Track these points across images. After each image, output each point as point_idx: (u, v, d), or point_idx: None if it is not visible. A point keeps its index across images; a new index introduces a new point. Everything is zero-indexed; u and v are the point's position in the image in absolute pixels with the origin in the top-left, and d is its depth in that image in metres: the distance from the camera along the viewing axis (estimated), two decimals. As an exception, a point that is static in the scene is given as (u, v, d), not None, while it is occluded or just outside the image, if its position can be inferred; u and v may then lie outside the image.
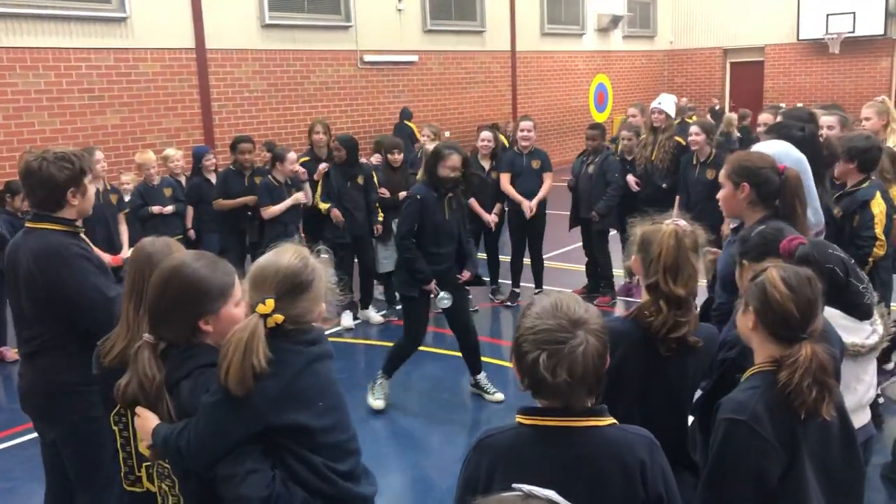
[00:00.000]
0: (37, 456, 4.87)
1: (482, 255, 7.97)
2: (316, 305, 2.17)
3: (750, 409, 2.01)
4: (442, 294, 5.26)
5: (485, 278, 7.21)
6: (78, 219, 3.10)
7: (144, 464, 2.36)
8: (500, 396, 5.55)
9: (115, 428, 2.40)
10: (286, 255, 2.16)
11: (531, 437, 1.80)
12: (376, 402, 5.46)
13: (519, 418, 1.83)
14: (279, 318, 2.05)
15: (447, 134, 13.67)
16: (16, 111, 9.74)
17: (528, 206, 7.39)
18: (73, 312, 2.99)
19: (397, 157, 7.46)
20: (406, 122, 13.90)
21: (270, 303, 2.05)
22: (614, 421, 1.83)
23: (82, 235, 3.18)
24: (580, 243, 8.19)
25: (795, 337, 2.03)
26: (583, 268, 8.27)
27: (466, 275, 5.54)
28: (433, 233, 5.25)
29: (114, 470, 3.16)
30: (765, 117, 6.47)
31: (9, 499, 4.55)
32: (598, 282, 7.86)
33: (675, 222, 2.46)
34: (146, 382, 2.11)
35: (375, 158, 8.38)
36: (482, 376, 5.65)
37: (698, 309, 2.61)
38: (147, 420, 2.13)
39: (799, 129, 4.35)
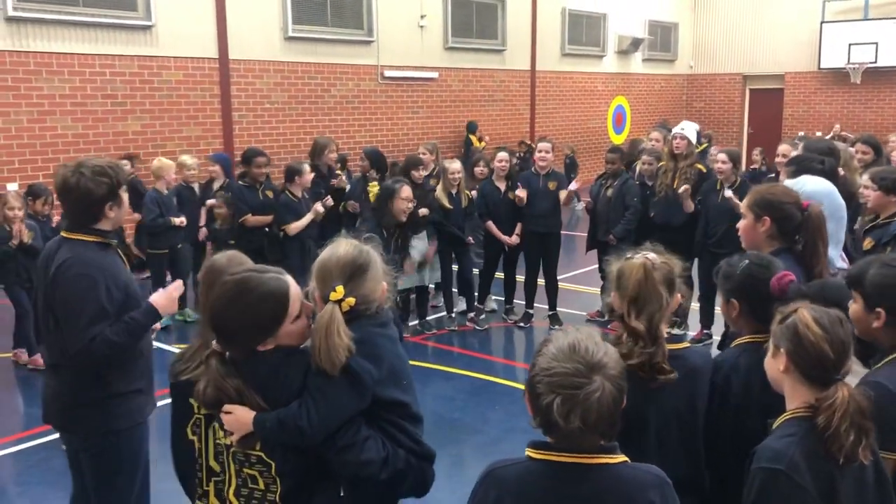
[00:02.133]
0: (48, 460, 4.89)
1: (499, 275, 7.97)
2: (378, 284, 2.42)
3: (788, 458, 1.95)
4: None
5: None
6: (112, 230, 3.12)
7: (213, 479, 2.37)
8: None
9: (193, 437, 2.41)
10: (340, 246, 2.42)
11: (541, 472, 1.78)
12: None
13: (529, 452, 1.81)
14: (351, 300, 2.29)
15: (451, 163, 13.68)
16: (40, 115, 9.84)
17: (506, 242, 7.56)
18: (62, 325, 2.99)
19: (420, 174, 7.47)
20: (470, 135, 14.92)
21: (340, 289, 2.29)
22: (626, 459, 1.81)
23: (116, 249, 3.19)
24: (596, 265, 8.16)
25: (830, 379, 1.99)
26: (598, 291, 8.23)
27: None
28: None
29: (129, 485, 3.18)
30: (784, 148, 6.44)
31: (20, 502, 4.56)
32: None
33: (644, 255, 2.45)
34: (224, 389, 2.21)
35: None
36: None
37: (715, 339, 2.58)
38: (242, 413, 2.20)
39: (819, 163, 4.33)
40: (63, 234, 3.09)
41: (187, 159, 8.35)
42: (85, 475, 3.19)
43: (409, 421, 2.45)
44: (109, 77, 10.42)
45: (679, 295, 2.47)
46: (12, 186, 9.54)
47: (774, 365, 2.11)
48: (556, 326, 7.63)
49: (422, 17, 14.39)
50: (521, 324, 7.82)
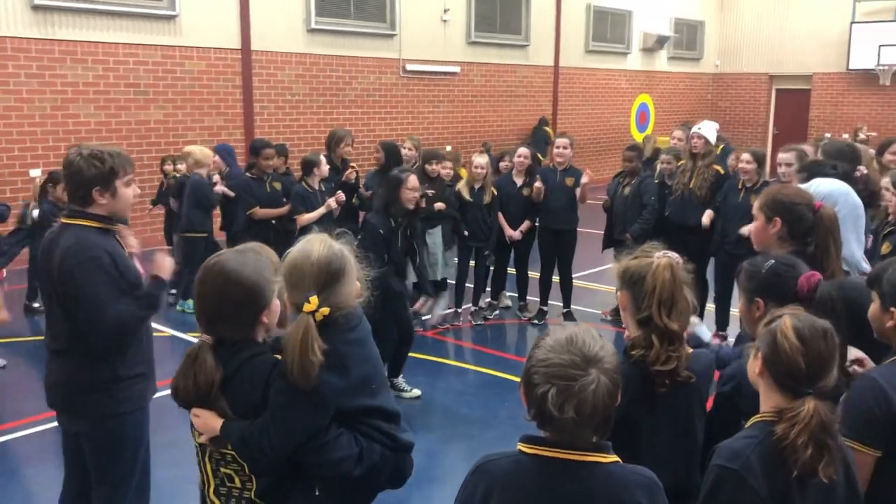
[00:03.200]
0: (60, 444, 4.95)
1: (511, 271, 7.95)
2: (352, 287, 2.33)
3: (743, 459, 1.94)
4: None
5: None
6: (110, 216, 3.11)
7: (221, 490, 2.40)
8: (416, 392, 5.89)
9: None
10: (314, 247, 2.28)
11: (531, 466, 1.77)
12: (413, 392, 5.85)
13: (521, 446, 1.81)
14: (325, 310, 2.19)
15: (448, 148, 13.64)
16: (63, 102, 9.95)
17: (510, 236, 7.53)
18: (77, 314, 3.01)
19: (436, 168, 7.44)
20: (544, 127, 15.58)
21: (314, 300, 2.18)
22: (617, 459, 1.79)
23: (118, 237, 3.20)
24: (612, 264, 8.10)
25: (800, 391, 1.96)
26: (613, 289, 8.17)
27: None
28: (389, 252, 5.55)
29: (131, 468, 3.20)
30: (785, 157, 6.14)
31: (30, 486, 4.62)
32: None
33: (666, 255, 2.39)
34: (205, 383, 2.20)
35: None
36: (400, 379, 5.94)
37: (730, 341, 2.54)
38: (209, 418, 2.23)
39: (831, 168, 4.26)
40: (63, 219, 3.11)
41: (193, 149, 8.06)
42: (86, 459, 3.21)
43: (380, 418, 2.40)
44: (133, 66, 10.51)
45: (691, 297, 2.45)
46: (35, 172, 9.66)
47: (753, 366, 2.09)
48: (567, 309, 7.61)
49: (445, 11, 14.37)
50: (535, 321, 7.79)
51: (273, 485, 2.30)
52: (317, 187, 7.00)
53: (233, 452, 2.27)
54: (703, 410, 2.50)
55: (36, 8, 9.56)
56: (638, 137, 18.76)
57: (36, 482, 4.66)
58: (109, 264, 3.01)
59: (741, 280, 2.66)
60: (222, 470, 2.31)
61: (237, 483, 2.31)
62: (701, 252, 6.95)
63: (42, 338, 6.78)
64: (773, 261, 2.63)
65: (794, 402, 1.95)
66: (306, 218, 6.85)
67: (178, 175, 8.39)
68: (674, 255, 2.42)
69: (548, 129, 16.23)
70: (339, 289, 2.27)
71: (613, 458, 1.78)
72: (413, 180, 5.39)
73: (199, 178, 7.52)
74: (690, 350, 2.47)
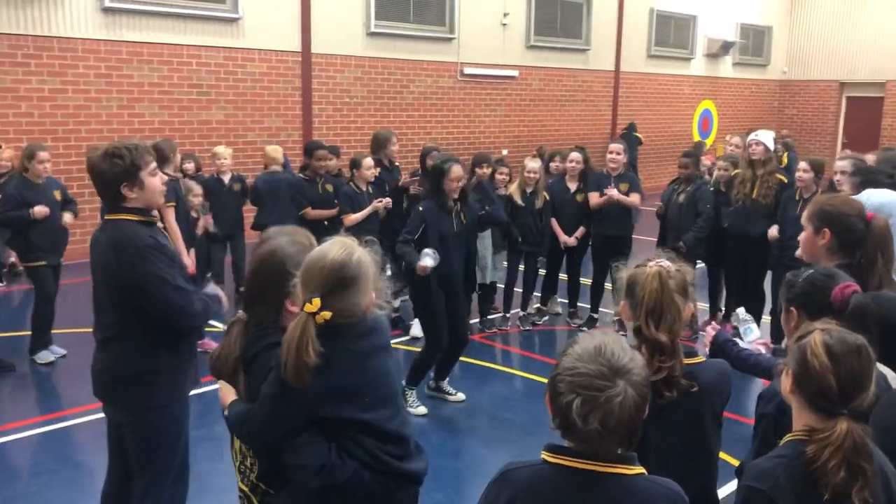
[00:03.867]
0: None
1: (563, 277, 7.86)
2: (364, 296, 2.24)
3: (773, 480, 1.87)
4: (427, 251, 5.24)
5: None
6: (147, 208, 3.19)
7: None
8: (461, 396, 5.79)
9: None
10: (332, 249, 2.23)
11: (554, 476, 1.74)
12: (418, 409, 5.53)
13: (544, 455, 1.77)
14: (326, 314, 2.14)
15: (504, 152, 13.58)
16: (129, 102, 10.26)
17: (565, 241, 7.45)
18: (146, 302, 3.08)
19: (485, 172, 7.41)
20: (634, 133, 15.98)
21: (317, 301, 2.14)
22: (643, 471, 1.74)
23: (158, 225, 3.29)
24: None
25: (833, 411, 1.86)
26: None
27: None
28: (438, 240, 5.36)
29: (170, 459, 3.26)
30: (842, 165, 5.93)
31: (76, 472, 4.76)
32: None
33: (658, 263, 2.35)
34: (229, 355, 2.34)
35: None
36: (445, 382, 5.86)
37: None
38: (225, 394, 2.39)
39: (888, 176, 4.10)
40: (105, 216, 3.19)
41: (221, 149, 8.13)
42: (127, 449, 3.29)
43: (372, 437, 2.28)
44: (196, 67, 10.77)
45: (691, 304, 2.39)
46: (101, 170, 9.97)
47: (784, 383, 2.00)
48: (622, 332, 7.47)
49: (505, 14, 14.34)
50: (585, 328, 7.70)
51: (273, 469, 2.35)
52: (364, 188, 7.04)
53: None
54: (716, 421, 2.44)
55: (106, 10, 9.88)
56: (710, 143, 18.39)
57: (87, 469, 4.79)
58: (161, 248, 3.11)
59: (781, 290, 2.59)
60: (240, 446, 2.43)
61: (248, 462, 2.41)
62: (760, 264, 6.77)
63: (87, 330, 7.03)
64: (812, 271, 2.55)
65: (827, 422, 1.86)
66: (352, 218, 6.90)
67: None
68: (666, 263, 2.36)
69: (638, 134, 16.40)
70: (348, 296, 2.20)
71: (639, 469, 1.74)
72: (456, 170, 5.38)
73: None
74: (702, 359, 2.41)
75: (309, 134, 11.93)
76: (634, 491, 1.71)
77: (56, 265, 6.39)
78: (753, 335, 3.13)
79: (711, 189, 7.32)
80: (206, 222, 7.07)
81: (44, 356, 6.39)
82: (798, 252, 3.32)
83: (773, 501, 1.86)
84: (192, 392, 5.99)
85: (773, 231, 6.62)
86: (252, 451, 2.38)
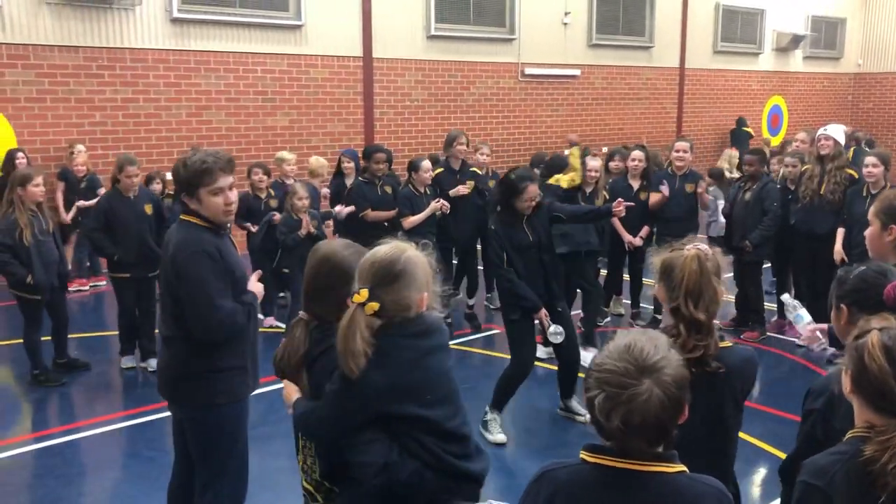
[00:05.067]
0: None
1: (626, 277, 7.76)
2: (415, 292, 2.30)
3: (829, 476, 1.82)
4: (554, 328, 5.03)
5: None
6: (214, 218, 3.22)
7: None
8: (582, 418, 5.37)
9: None
10: (383, 248, 2.35)
11: (592, 475, 1.72)
12: (497, 437, 5.17)
13: (583, 455, 1.76)
14: (374, 305, 2.23)
15: (567, 151, 13.40)
16: (197, 109, 10.56)
17: (629, 241, 7.32)
18: (183, 305, 3.17)
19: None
20: (744, 128, 16.05)
21: (364, 292, 2.24)
22: (684, 468, 1.71)
23: (230, 237, 3.37)
24: (731, 274, 7.76)
25: (894, 411, 1.81)
26: (732, 298, 7.84)
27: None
28: (516, 254, 5.09)
29: (227, 457, 3.35)
30: None
31: (147, 466, 4.91)
32: (747, 315, 7.42)
33: (695, 246, 2.46)
34: (292, 355, 2.42)
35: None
36: (573, 401, 5.55)
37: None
38: (290, 392, 2.48)
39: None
40: (181, 217, 3.30)
41: (286, 155, 8.31)
42: (188, 445, 3.39)
43: (431, 436, 2.31)
44: (261, 74, 11.02)
45: (723, 288, 2.49)
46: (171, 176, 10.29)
47: (845, 383, 1.94)
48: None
49: (566, 13, 14.23)
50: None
51: (337, 468, 2.39)
52: (422, 190, 7.06)
53: None
54: (737, 407, 2.50)
55: (174, 21, 10.19)
56: (772, 141, 17.91)
57: (158, 464, 4.95)
58: (216, 258, 3.16)
59: (833, 286, 2.51)
60: (303, 444, 2.50)
61: (309, 462, 2.47)
62: (829, 263, 6.56)
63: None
64: (864, 267, 2.48)
65: (889, 421, 1.81)
66: (411, 221, 6.91)
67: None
68: (704, 246, 2.46)
69: (748, 128, 16.30)
70: (396, 289, 2.27)
71: (679, 467, 1.71)
72: (532, 190, 5.06)
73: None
74: (729, 343, 2.47)
75: (371, 138, 12.06)
76: (676, 489, 1.68)
77: (141, 278, 6.31)
78: (805, 320, 3.07)
79: (778, 186, 7.13)
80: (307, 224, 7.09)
81: (126, 361, 6.59)
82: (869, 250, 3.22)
83: (830, 498, 1.81)
84: (257, 391, 6.15)
85: (839, 244, 6.40)
86: (314, 450, 2.43)
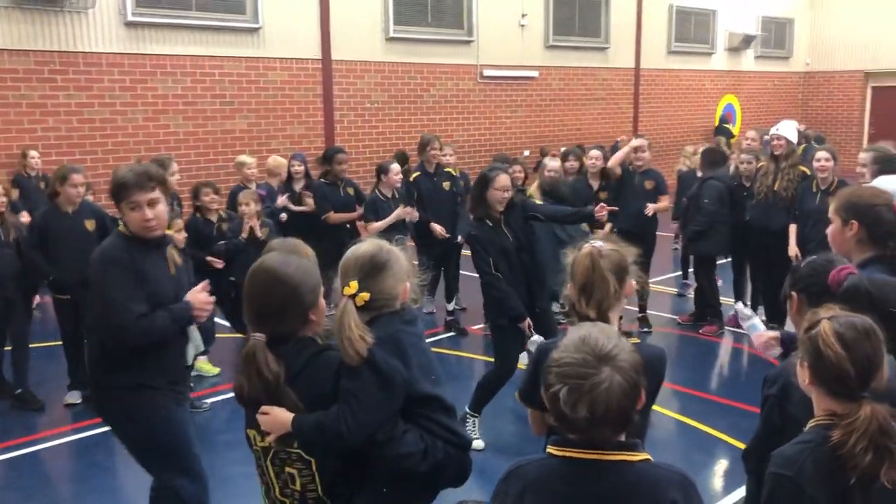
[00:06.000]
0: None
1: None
2: (398, 283, 2.44)
3: (798, 466, 1.90)
4: (536, 338, 4.98)
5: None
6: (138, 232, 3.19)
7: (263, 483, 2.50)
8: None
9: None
10: (363, 245, 2.48)
11: (560, 468, 1.76)
12: (476, 443, 5.00)
13: (550, 449, 1.80)
14: (365, 295, 2.34)
15: (526, 153, 13.55)
16: (154, 114, 10.41)
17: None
18: (98, 317, 3.16)
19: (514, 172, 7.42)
20: (724, 125, 16.04)
21: (354, 284, 2.34)
22: (648, 457, 1.76)
23: (165, 251, 3.32)
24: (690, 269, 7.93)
25: (854, 395, 1.89)
26: (690, 294, 8.01)
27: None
28: (500, 257, 4.97)
29: (170, 464, 3.35)
30: (865, 157, 5.94)
31: (107, 477, 4.85)
32: (704, 310, 7.57)
33: (592, 244, 2.51)
34: (272, 380, 2.25)
35: None
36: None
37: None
38: (280, 414, 2.28)
39: (902, 164, 4.08)
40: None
41: (246, 158, 8.06)
42: None
43: (442, 413, 2.47)
44: (218, 77, 10.91)
45: (633, 282, 2.52)
46: (128, 181, 10.13)
47: (801, 375, 2.02)
48: (646, 329, 7.46)
49: (523, 15, 14.35)
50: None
51: (341, 480, 2.36)
52: (389, 195, 7.07)
53: (298, 451, 2.32)
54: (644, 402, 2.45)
55: (129, 24, 10.04)
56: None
57: (120, 474, 4.89)
58: (126, 266, 3.11)
59: (788, 275, 2.61)
60: (286, 470, 2.37)
61: (298, 486, 2.36)
62: (783, 258, 6.72)
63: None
64: (814, 257, 2.60)
65: (849, 406, 1.89)
66: (374, 227, 6.79)
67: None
68: (599, 244, 2.49)
69: (728, 125, 16.67)
70: (382, 279, 2.40)
71: (643, 455, 1.76)
72: (502, 179, 4.98)
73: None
74: (637, 340, 2.47)
75: (331, 140, 12.02)
76: (641, 477, 1.73)
77: (81, 300, 5.28)
78: (759, 329, 3.12)
79: (735, 183, 7.30)
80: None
81: (70, 397, 5.97)
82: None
83: (801, 487, 1.88)
84: (221, 397, 6.12)
85: (793, 241, 6.58)
86: (314, 466, 2.32)
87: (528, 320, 4.95)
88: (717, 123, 18.39)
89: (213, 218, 6.53)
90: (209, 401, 5.77)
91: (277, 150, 11.20)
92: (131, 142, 10.24)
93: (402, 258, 2.48)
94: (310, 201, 7.59)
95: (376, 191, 7.12)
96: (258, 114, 11.37)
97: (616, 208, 6.28)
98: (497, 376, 5.14)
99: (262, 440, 2.37)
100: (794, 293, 2.53)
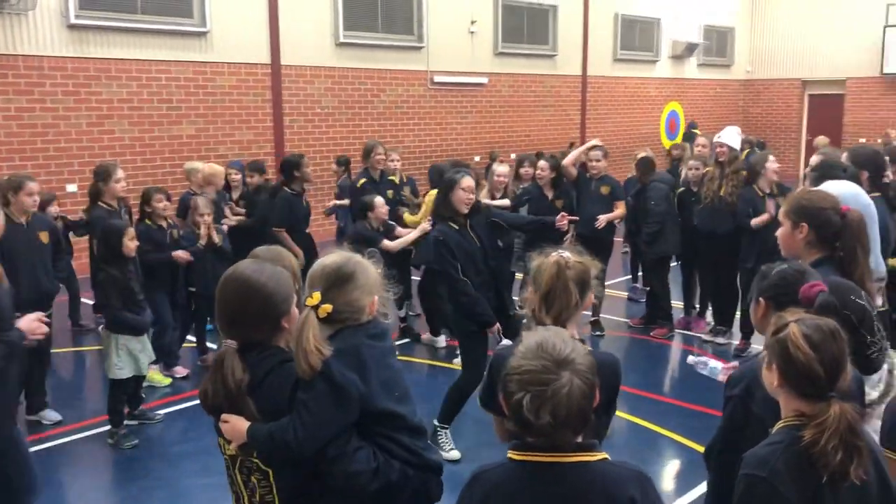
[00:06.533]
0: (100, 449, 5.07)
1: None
2: (365, 295, 2.38)
3: (770, 466, 1.94)
4: (505, 342, 4.76)
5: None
6: None
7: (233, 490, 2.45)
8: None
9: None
10: (331, 256, 2.44)
11: (521, 472, 1.79)
12: (451, 454, 4.91)
13: (510, 454, 1.83)
14: (327, 307, 2.28)
15: (476, 158, 13.68)
16: (98, 119, 10.18)
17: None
18: None
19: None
20: (693, 130, 15.94)
21: (317, 295, 2.29)
22: (605, 456, 1.81)
23: None
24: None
25: (822, 395, 1.96)
26: (643, 298, 8.15)
27: None
28: (466, 262, 4.87)
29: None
30: (813, 160, 6.18)
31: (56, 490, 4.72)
32: (656, 312, 7.72)
33: (560, 254, 2.52)
34: (234, 387, 2.24)
35: None
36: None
37: (755, 346, 2.52)
38: (238, 422, 2.27)
39: (842, 170, 4.24)
40: None
41: (197, 165, 7.88)
42: None
43: (405, 433, 2.40)
44: (165, 82, 10.72)
45: (592, 295, 2.56)
46: (72, 188, 9.90)
47: (769, 378, 2.07)
48: (598, 332, 7.57)
49: (472, 22, 14.45)
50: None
51: (297, 495, 2.32)
52: (376, 226, 6.72)
53: (257, 461, 2.30)
54: (596, 415, 2.46)
55: (72, 27, 9.80)
56: (667, 145, 18.63)
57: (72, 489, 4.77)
58: None
59: (755, 281, 2.66)
60: (252, 479, 2.35)
61: (258, 497, 2.34)
62: (731, 261, 6.89)
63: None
64: (785, 266, 2.63)
65: (817, 406, 1.95)
66: (390, 245, 6.57)
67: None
68: (567, 254, 2.52)
69: (696, 130, 16.53)
70: (347, 291, 2.34)
71: (601, 455, 1.81)
72: (468, 181, 4.90)
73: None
74: (588, 348, 2.49)
75: (281, 146, 11.92)
76: (600, 476, 1.78)
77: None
78: (719, 368, 3.14)
79: (682, 189, 7.47)
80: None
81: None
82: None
83: (774, 487, 1.92)
84: (174, 408, 6.01)
85: (758, 221, 6.64)
86: (271, 477, 2.29)
87: (497, 325, 4.88)
88: (683, 130, 18.73)
89: (164, 225, 6.33)
90: (162, 412, 5.65)
91: (225, 155, 11.06)
92: (74, 147, 9.99)
93: (371, 271, 2.42)
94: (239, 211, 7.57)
95: (364, 224, 6.75)
96: (206, 119, 11.20)
97: (577, 217, 6.35)
98: (466, 382, 4.97)
99: (229, 448, 2.34)
100: (761, 299, 2.57)
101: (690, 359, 3.30)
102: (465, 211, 4.91)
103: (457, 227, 4.92)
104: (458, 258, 4.81)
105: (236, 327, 2.30)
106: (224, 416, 2.29)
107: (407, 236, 6.62)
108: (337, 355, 2.24)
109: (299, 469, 2.29)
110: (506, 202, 7.17)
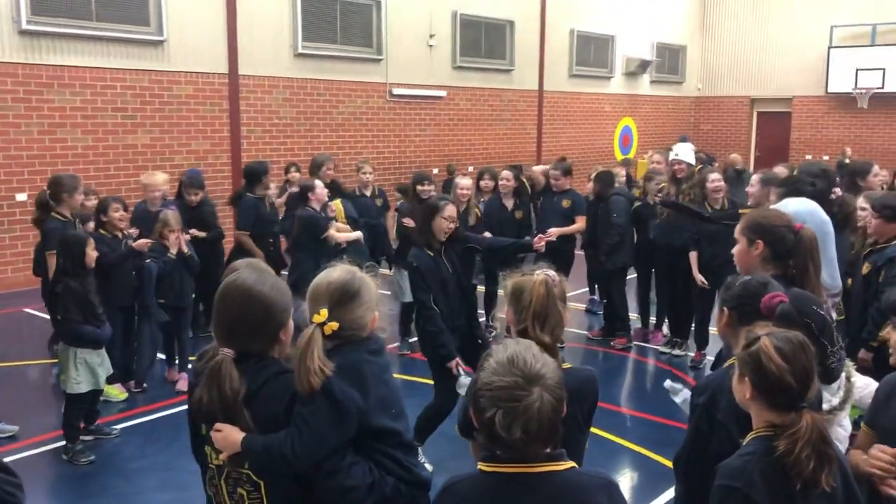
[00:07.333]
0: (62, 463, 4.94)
1: (501, 293, 7.98)
2: (368, 312, 2.41)
3: (746, 476, 2.00)
4: (463, 379, 4.62)
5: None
6: None
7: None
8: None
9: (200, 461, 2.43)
10: (335, 271, 2.45)
11: (491, 483, 1.82)
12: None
13: (480, 465, 1.86)
14: (334, 324, 2.30)
15: (435, 171, 13.76)
16: (51, 127, 9.96)
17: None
18: None
19: (427, 188, 7.43)
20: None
21: (324, 312, 2.30)
22: (573, 464, 1.85)
23: None
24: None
25: (794, 406, 2.03)
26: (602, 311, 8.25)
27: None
28: (440, 289, 4.87)
29: None
30: (779, 170, 6.46)
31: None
32: (614, 324, 7.83)
33: (544, 272, 2.56)
34: (231, 396, 2.21)
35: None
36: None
37: (710, 357, 2.58)
38: (231, 432, 2.23)
39: (809, 185, 4.37)
40: None
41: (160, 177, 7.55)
42: None
43: (400, 449, 2.42)
44: (120, 90, 10.55)
45: (567, 312, 2.63)
46: (21, 197, 9.67)
47: (741, 390, 2.13)
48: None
49: (431, 36, 14.53)
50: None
51: (303, 499, 2.31)
52: (318, 209, 6.80)
53: (248, 472, 2.28)
54: (577, 427, 2.50)
55: (23, 33, 9.59)
56: (620, 158, 18.97)
57: None
58: None
59: (720, 291, 2.74)
60: (238, 491, 2.32)
61: None
62: (687, 274, 7.04)
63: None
64: (749, 277, 2.71)
65: (789, 416, 2.01)
66: (336, 236, 6.68)
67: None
68: (552, 273, 2.58)
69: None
70: (353, 309, 2.37)
71: (569, 464, 1.84)
72: (450, 209, 4.91)
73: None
74: (569, 365, 2.57)
75: (238, 156, 11.81)
76: (568, 485, 1.82)
77: None
78: (690, 356, 3.20)
79: (640, 203, 7.61)
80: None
81: None
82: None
83: (750, 497, 1.97)
84: (131, 422, 5.90)
85: (695, 268, 6.84)
86: (263, 489, 2.26)
87: (457, 360, 4.78)
88: (636, 145, 19.05)
89: (119, 235, 6.16)
90: (119, 426, 5.53)
91: (181, 165, 10.92)
92: (25, 156, 9.76)
93: (373, 287, 2.45)
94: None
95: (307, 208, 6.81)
96: (162, 128, 11.05)
97: (553, 238, 6.38)
98: (437, 412, 4.94)
99: (217, 458, 2.31)
100: (725, 309, 2.65)
101: (668, 383, 3.34)
102: (444, 239, 4.93)
103: (431, 254, 4.91)
104: (430, 286, 4.79)
105: (235, 336, 2.27)
106: (217, 426, 2.25)
107: (349, 234, 6.78)
108: (338, 371, 2.23)
109: (294, 481, 2.28)
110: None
